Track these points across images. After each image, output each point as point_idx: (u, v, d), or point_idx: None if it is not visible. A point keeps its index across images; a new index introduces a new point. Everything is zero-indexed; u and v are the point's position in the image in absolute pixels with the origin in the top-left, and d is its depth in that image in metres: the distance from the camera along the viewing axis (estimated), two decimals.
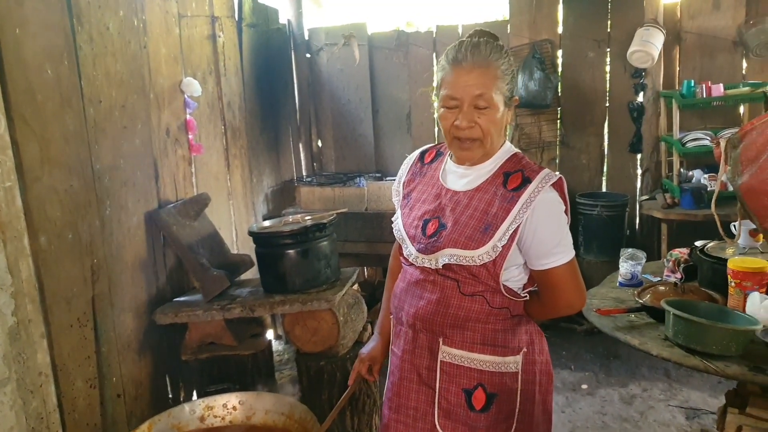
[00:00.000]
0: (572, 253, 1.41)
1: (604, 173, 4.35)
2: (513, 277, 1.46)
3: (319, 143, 4.80)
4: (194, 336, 2.60)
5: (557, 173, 1.42)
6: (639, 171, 4.23)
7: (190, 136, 2.99)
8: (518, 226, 1.37)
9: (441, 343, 1.48)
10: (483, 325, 1.45)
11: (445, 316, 1.45)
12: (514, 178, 1.41)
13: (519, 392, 1.47)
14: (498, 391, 1.45)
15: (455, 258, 1.40)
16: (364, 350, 1.77)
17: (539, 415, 1.52)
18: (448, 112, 1.40)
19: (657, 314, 1.95)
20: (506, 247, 1.38)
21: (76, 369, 2.02)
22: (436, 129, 4.52)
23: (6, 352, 1.74)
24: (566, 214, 1.43)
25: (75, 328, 2.03)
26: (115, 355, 2.25)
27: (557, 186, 1.40)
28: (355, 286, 3.11)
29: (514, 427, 1.47)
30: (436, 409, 1.48)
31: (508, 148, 1.48)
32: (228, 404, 2.06)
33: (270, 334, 3.47)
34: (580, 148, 4.29)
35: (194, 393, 2.69)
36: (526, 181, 1.39)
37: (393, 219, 1.64)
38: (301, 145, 4.62)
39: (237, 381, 2.57)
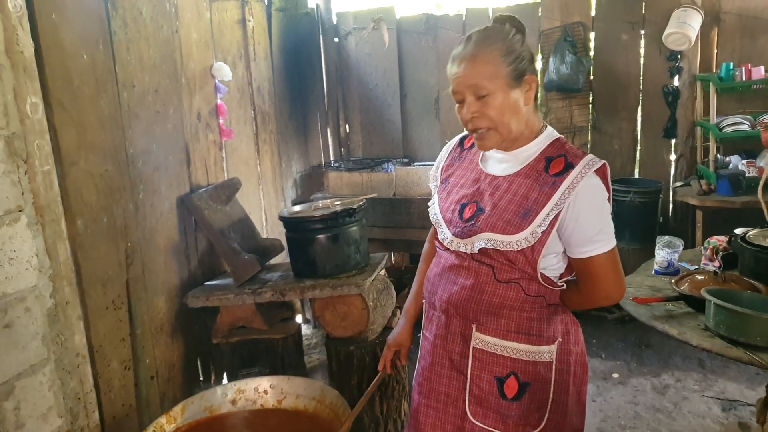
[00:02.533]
0: (614, 242, 1.38)
1: (637, 159, 4.25)
2: (551, 265, 1.43)
3: (347, 128, 4.77)
4: (225, 319, 2.63)
5: (602, 160, 1.37)
6: (673, 157, 4.12)
7: (221, 121, 3.00)
8: (559, 212, 1.34)
9: (474, 329, 1.46)
10: (518, 313, 1.43)
11: (479, 303, 1.44)
12: (556, 163, 1.38)
13: (553, 382, 1.45)
14: (531, 381, 1.44)
15: (492, 242, 1.38)
16: (391, 336, 1.78)
17: (573, 406, 1.49)
18: (458, 106, 1.42)
19: (696, 304, 1.91)
20: (546, 233, 1.35)
21: (111, 351, 2.06)
22: None
23: (45, 333, 1.77)
24: (609, 202, 1.39)
25: (110, 310, 2.06)
26: (149, 337, 2.28)
27: (600, 172, 1.36)
28: (383, 272, 3.11)
29: (546, 417, 1.45)
30: (468, 395, 1.47)
31: (550, 133, 1.45)
32: (259, 388, 2.07)
33: (299, 319, 3.50)
34: (613, 133, 4.19)
35: (225, 376, 2.72)
36: (569, 167, 1.36)
37: (429, 204, 1.62)
38: (329, 131, 4.61)
39: (267, 364, 2.60)
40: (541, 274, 1.41)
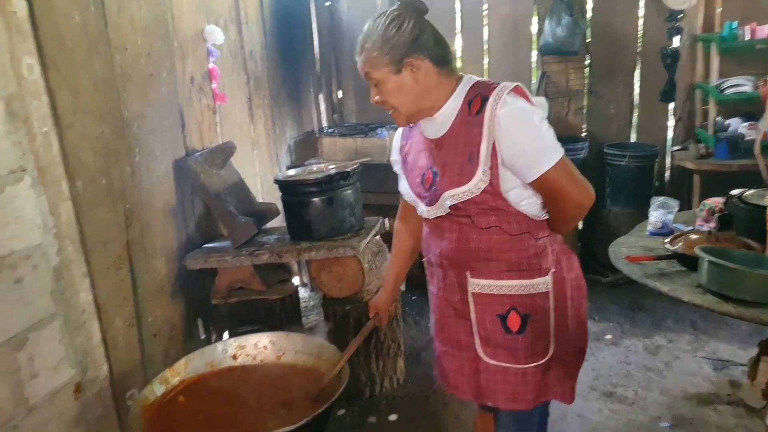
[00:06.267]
0: (559, 153, 1.40)
1: (634, 123, 4.25)
2: (525, 199, 1.47)
3: (340, 94, 4.74)
4: (224, 281, 2.67)
5: (515, 83, 1.43)
6: (671, 121, 4.12)
7: (214, 85, 2.99)
8: (494, 144, 1.40)
9: (469, 276, 1.54)
10: (506, 254, 1.50)
11: (468, 251, 1.52)
12: (475, 102, 1.44)
13: (552, 310, 1.53)
14: (530, 312, 1.51)
15: (456, 197, 1.46)
16: (372, 299, 1.96)
17: (574, 328, 1.58)
18: None
19: (689, 262, 1.93)
20: (494, 166, 1.41)
21: (114, 309, 2.10)
22: None
23: (52, 289, 1.82)
24: (535, 110, 1.41)
25: (112, 270, 2.09)
26: (150, 297, 2.32)
27: (518, 93, 1.41)
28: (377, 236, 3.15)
29: (552, 343, 1.54)
30: (476, 338, 1.57)
31: (466, 81, 1.50)
32: (259, 344, 2.13)
33: (296, 281, 3.54)
34: (609, 97, 4.18)
35: (225, 335, 2.78)
36: (484, 100, 1.41)
37: (399, 188, 1.71)
38: (321, 96, 4.58)
39: (266, 325, 2.65)
40: (522, 212, 1.47)
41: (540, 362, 1.54)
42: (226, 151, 2.90)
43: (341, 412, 2.74)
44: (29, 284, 1.75)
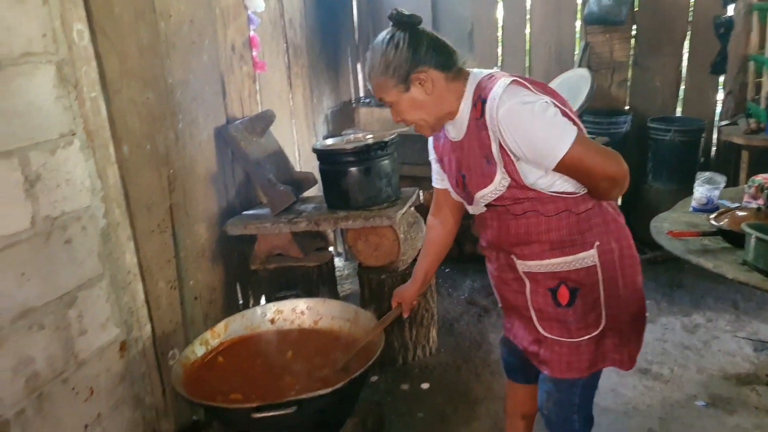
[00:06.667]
0: (572, 134, 1.37)
1: (680, 97, 4.11)
2: (556, 182, 1.46)
3: None
4: (263, 247, 2.73)
5: (510, 78, 1.39)
6: (720, 94, 3.97)
7: (254, 53, 3.01)
8: (501, 145, 1.41)
9: (515, 259, 1.58)
10: (546, 234, 1.51)
11: (509, 237, 1.56)
12: (477, 105, 1.45)
13: (601, 282, 1.53)
14: (579, 286, 1.53)
15: (485, 197, 1.52)
16: (398, 289, 1.93)
17: (628, 297, 1.57)
18: None
19: (734, 239, 1.88)
20: (509, 164, 1.43)
21: (158, 271, 2.17)
22: (500, 48, 4.35)
23: (99, 251, 1.89)
24: (536, 98, 1.38)
25: (156, 233, 2.16)
26: (192, 261, 2.38)
27: (513, 88, 1.38)
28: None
29: (604, 314, 1.55)
30: (533, 313, 1.60)
31: (472, 80, 1.49)
32: (297, 309, 2.17)
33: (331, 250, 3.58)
34: (655, 69, 4.04)
35: (262, 301, 2.84)
36: (483, 102, 1.41)
37: (433, 183, 1.79)
38: (359, 65, 4.55)
39: (302, 291, 2.70)
40: (558, 193, 1.46)
41: (593, 334, 1.55)
42: (265, 120, 2.93)
43: (374, 378, 2.79)
44: (78, 245, 1.81)
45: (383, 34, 1.50)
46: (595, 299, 1.54)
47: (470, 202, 1.60)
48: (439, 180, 1.76)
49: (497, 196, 1.49)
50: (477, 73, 1.50)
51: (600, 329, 1.56)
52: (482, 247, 1.72)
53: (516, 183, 1.45)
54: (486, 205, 1.55)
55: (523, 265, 1.57)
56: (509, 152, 1.41)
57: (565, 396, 1.65)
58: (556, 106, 1.40)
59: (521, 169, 1.43)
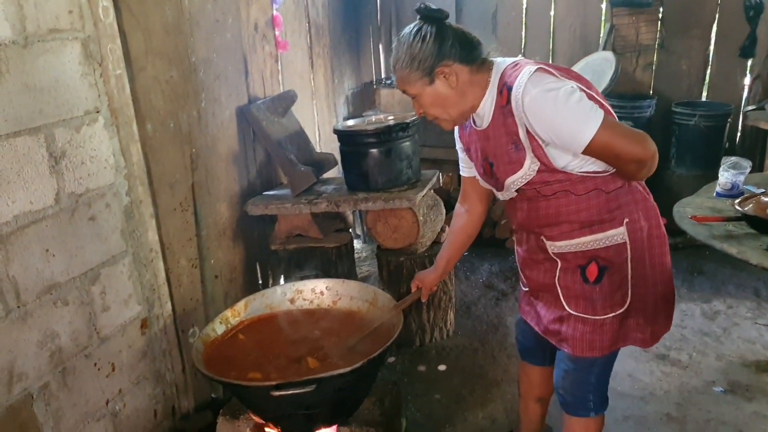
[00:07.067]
0: (598, 119, 1.36)
1: (706, 81, 4.02)
2: (586, 164, 1.46)
3: None
4: (283, 227, 2.75)
5: (535, 66, 1.39)
6: (748, 79, 3.87)
7: (277, 33, 3.00)
8: (528, 131, 1.42)
9: (545, 240, 1.59)
10: (575, 215, 1.52)
11: (538, 218, 1.57)
12: (503, 93, 1.45)
13: (629, 260, 1.53)
14: (609, 264, 1.54)
15: (516, 183, 1.53)
16: (420, 272, 1.94)
17: (656, 277, 1.58)
18: None
19: (759, 225, 1.86)
20: (537, 148, 1.44)
21: (180, 249, 2.20)
22: (523, 31, 4.28)
23: (123, 228, 1.91)
24: (561, 85, 1.37)
25: (178, 211, 2.18)
26: (213, 239, 2.41)
27: (538, 76, 1.38)
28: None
29: (630, 293, 1.55)
30: (559, 288, 1.61)
31: (497, 69, 1.49)
32: (316, 289, 2.18)
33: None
34: (681, 53, 3.96)
35: (282, 280, 2.87)
36: (510, 90, 1.42)
37: (461, 172, 1.80)
38: (381, 47, 4.52)
39: (321, 272, 2.72)
40: (588, 172, 1.47)
41: (617, 312, 1.56)
42: (287, 100, 2.93)
43: (391, 359, 2.81)
44: (102, 222, 1.84)
45: (410, 27, 1.50)
46: (623, 278, 1.54)
47: (499, 188, 1.61)
48: (466, 168, 1.77)
49: (527, 180, 1.50)
50: (501, 62, 1.51)
51: (625, 308, 1.56)
52: (512, 229, 1.76)
53: (546, 167, 1.46)
54: (516, 190, 1.56)
55: (552, 246, 1.59)
56: (537, 138, 1.42)
57: (582, 375, 1.66)
58: (581, 90, 1.40)
59: (550, 154, 1.45)
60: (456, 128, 1.72)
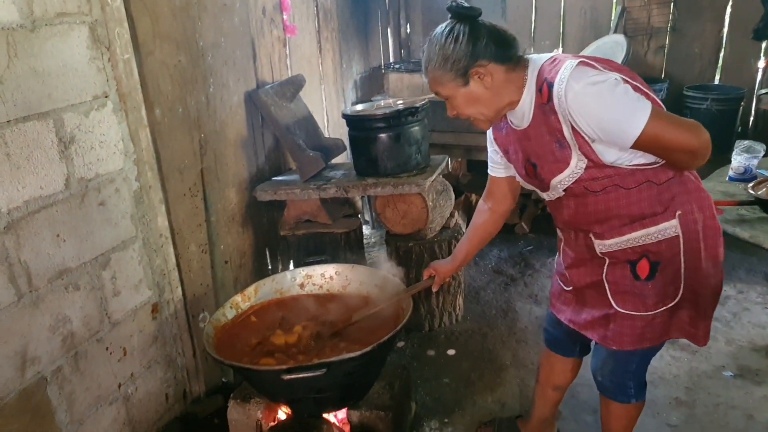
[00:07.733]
0: (646, 110, 1.31)
1: (719, 64, 3.96)
2: (636, 157, 1.41)
3: (408, 29, 4.63)
4: (292, 213, 2.74)
5: (576, 60, 1.35)
6: (761, 62, 3.81)
7: (285, 17, 2.97)
8: (573, 128, 1.37)
9: (593, 238, 1.55)
10: (626, 209, 1.47)
11: (587, 215, 1.52)
12: (543, 90, 1.40)
13: (682, 253, 1.48)
14: (660, 259, 1.49)
15: (563, 182, 1.48)
16: (435, 261, 1.93)
17: (709, 269, 1.52)
18: None
19: None
20: (584, 145, 1.39)
21: (189, 234, 2.20)
22: (534, 14, 4.23)
23: (133, 213, 1.92)
24: (605, 77, 1.33)
25: (187, 197, 2.18)
26: (222, 225, 2.42)
27: (580, 70, 1.33)
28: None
29: (682, 287, 1.51)
30: (606, 284, 1.57)
31: (533, 67, 1.44)
32: (326, 274, 2.19)
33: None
34: (694, 35, 3.89)
35: (291, 265, 2.88)
36: (550, 87, 1.37)
37: (489, 171, 1.77)
38: (389, 31, 4.48)
39: (330, 257, 2.72)
40: (638, 165, 1.42)
41: (669, 305, 1.53)
42: (295, 85, 2.91)
43: (401, 344, 2.82)
44: (112, 207, 1.85)
45: (442, 27, 1.45)
46: (675, 271, 1.50)
47: (545, 189, 1.56)
48: (495, 168, 1.74)
49: (575, 179, 1.45)
50: (537, 59, 1.46)
51: (676, 301, 1.52)
52: (558, 228, 1.70)
53: (594, 163, 1.41)
54: (563, 189, 1.51)
55: (601, 246, 1.54)
56: (582, 134, 1.37)
57: (622, 364, 1.65)
58: (626, 82, 1.35)
59: (598, 150, 1.39)
60: (490, 134, 1.68)
